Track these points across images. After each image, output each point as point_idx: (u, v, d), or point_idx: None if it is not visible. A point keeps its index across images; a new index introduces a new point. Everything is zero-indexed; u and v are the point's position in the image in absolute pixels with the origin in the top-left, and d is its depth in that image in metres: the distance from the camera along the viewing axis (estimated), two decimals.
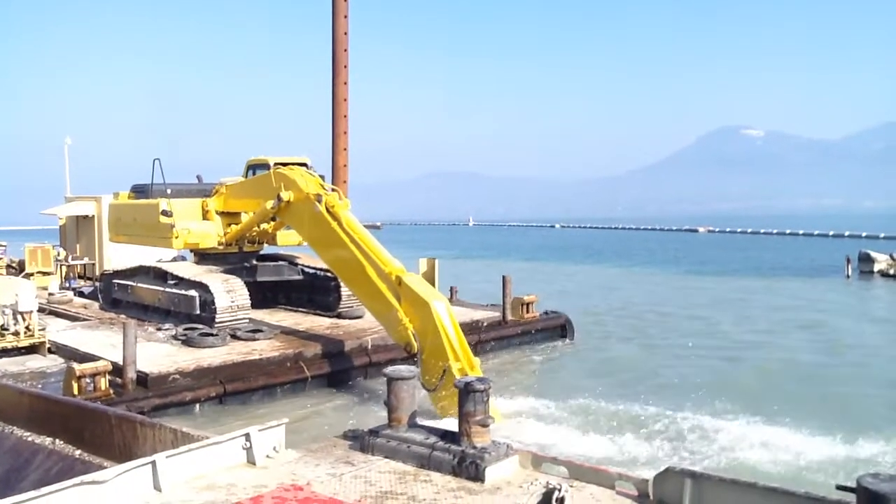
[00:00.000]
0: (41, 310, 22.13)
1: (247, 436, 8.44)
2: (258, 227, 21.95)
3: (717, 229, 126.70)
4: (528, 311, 23.69)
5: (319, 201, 17.96)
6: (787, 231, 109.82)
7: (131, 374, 15.54)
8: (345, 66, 27.99)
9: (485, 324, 22.41)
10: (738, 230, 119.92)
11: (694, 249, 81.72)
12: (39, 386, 15.76)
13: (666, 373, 20.34)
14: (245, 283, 21.08)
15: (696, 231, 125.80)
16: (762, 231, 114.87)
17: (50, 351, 18.77)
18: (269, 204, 19.55)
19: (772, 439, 13.73)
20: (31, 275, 30.16)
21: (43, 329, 19.21)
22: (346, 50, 27.96)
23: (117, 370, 15.57)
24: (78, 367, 14.92)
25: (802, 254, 69.73)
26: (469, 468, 7.86)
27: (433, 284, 21.22)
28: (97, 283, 26.54)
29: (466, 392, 8.11)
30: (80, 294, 27.69)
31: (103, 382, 14.99)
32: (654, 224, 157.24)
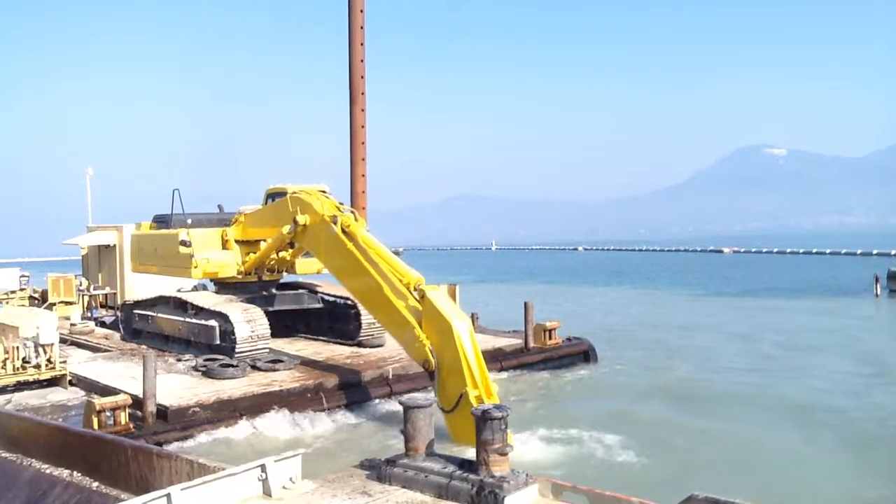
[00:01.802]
0: (63, 340, 22.19)
1: (262, 467, 8.29)
2: (277, 255, 21.90)
3: (742, 249, 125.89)
4: (550, 338, 23.25)
5: (335, 223, 17.89)
6: (814, 250, 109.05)
7: (151, 408, 15.41)
8: (362, 93, 28.01)
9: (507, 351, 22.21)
10: (764, 250, 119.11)
11: (720, 270, 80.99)
12: (60, 419, 15.71)
13: (693, 402, 19.86)
14: (265, 311, 20.98)
15: (721, 252, 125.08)
16: (788, 250, 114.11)
17: (71, 383, 18.72)
18: (286, 228, 19.50)
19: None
20: (54, 305, 30.34)
21: (64, 361, 19.16)
22: (362, 77, 27.98)
23: (137, 403, 15.47)
24: (98, 402, 14.77)
25: (830, 273, 68.86)
26: (488, 497, 7.65)
27: None
28: (118, 313, 26.62)
29: (484, 420, 7.92)
30: (102, 324, 27.78)
31: (123, 416, 14.82)
32: (678, 245, 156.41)
